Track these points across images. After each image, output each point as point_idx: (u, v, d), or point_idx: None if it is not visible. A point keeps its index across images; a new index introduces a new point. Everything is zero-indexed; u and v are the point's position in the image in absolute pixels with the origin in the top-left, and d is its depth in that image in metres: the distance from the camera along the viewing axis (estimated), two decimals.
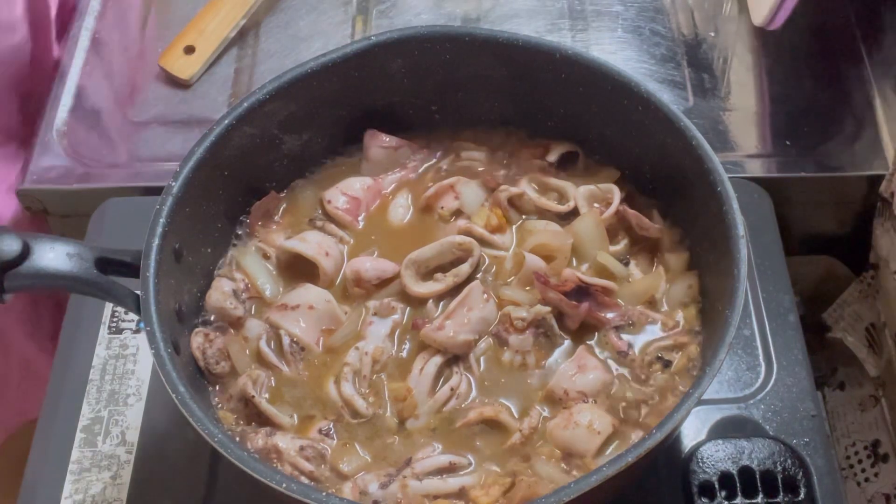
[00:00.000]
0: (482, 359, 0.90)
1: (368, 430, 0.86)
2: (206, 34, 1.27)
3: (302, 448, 0.84)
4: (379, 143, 1.02)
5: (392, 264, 0.94)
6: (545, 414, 0.87)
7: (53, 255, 0.82)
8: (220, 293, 0.92)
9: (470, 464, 0.84)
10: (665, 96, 0.92)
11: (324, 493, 0.74)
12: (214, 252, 0.96)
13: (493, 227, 0.96)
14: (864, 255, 1.18)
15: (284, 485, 0.73)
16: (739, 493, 0.93)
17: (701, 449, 0.95)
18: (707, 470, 0.94)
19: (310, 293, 0.92)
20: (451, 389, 0.87)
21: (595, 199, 0.98)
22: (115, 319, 1.05)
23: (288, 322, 0.91)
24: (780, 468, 0.94)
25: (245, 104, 0.92)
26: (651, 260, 0.95)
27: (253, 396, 0.86)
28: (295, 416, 0.88)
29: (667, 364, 0.89)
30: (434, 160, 1.03)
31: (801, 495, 0.92)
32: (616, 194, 0.96)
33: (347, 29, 1.30)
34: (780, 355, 1.01)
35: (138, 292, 0.82)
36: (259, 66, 1.27)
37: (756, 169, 1.16)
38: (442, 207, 0.98)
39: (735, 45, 1.28)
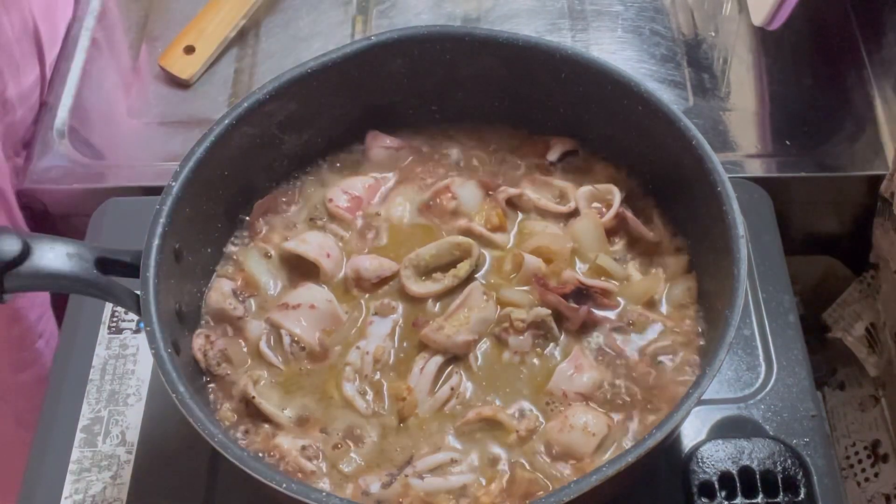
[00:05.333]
0: (482, 359, 0.90)
1: (369, 430, 0.86)
2: (206, 34, 1.27)
3: (303, 448, 0.84)
4: (380, 143, 1.02)
5: (392, 263, 0.94)
6: (542, 417, 0.87)
7: (53, 255, 0.82)
8: (220, 294, 0.92)
9: (471, 462, 0.84)
10: (665, 96, 0.92)
11: (324, 493, 0.74)
12: (214, 252, 0.96)
13: (493, 226, 0.96)
14: (864, 255, 1.18)
15: (284, 485, 0.73)
16: (739, 493, 0.93)
17: (701, 449, 0.95)
18: (707, 470, 0.94)
19: (311, 293, 0.92)
20: (451, 389, 0.87)
21: (595, 199, 0.98)
22: (115, 319, 1.05)
23: (289, 321, 0.91)
24: (780, 468, 0.94)
25: (245, 104, 0.92)
26: (650, 261, 0.95)
27: (253, 397, 0.86)
28: (295, 416, 0.88)
29: (666, 365, 0.89)
30: (434, 160, 1.03)
31: (801, 495, 0.92)
32: (616, 195, 0.96)
33: (347, 29, 1.30)
34: (780, 355, 1.01)
35: (138, 292, 0.82)
36: (259, 66, 1.27)
37: (756, 169, 1.16)
38: (441, 207, 0.98)
39: (735, 45, 1.28)
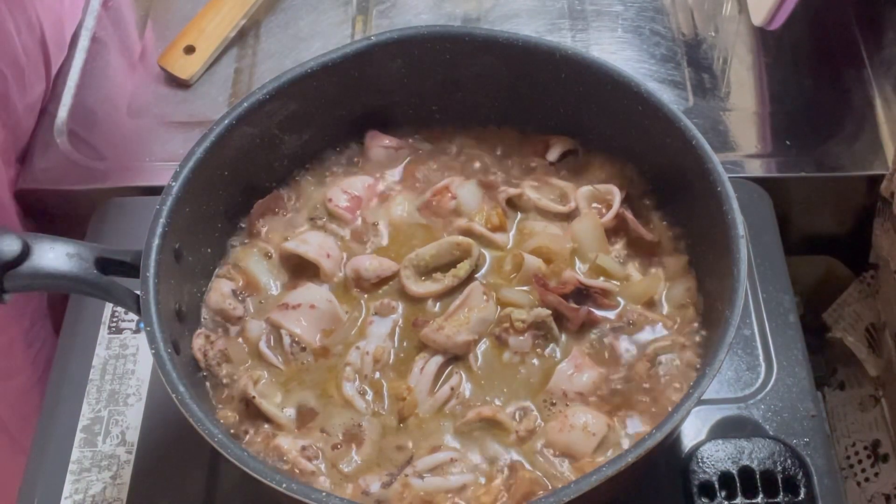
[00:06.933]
0: (481, 359, 0.90)
1: (369, 430, 0.86)
2: (206, 34, 1.27)
3: (303, 448, 0.84)
4: (380, 143, 1.02)
5: (392, 263, 0.94)
6: (541, 417, 0.87)
7: (53, 255, 0.82)
8: (220, 294, 0.92)
9: (471, 462, 0.84)
10: (665, 96, 0.92)
11: (324, 493, 0.74)
12: (214, 252, 0.96)
13: (493, 226, 0.96)
14: (864, 255, 1.18)
15: (284, 485, 0.73)
16: (739, 493, 0.93)
17: (701, 449, 0.95)
18: (707, 470, 0.94)
19: (311, 293, 0.92)
20: (451, 389, 0.87)
21: (595, 199, 0.98)
22: (115, 319, 1.05)
23: (289, 321, 0.91)
24: (780, 468, 0.94)
25: (245, 104, 0.92)
26: (650, 261, 0.95)
27: (254, 397, 0.86)
28: (295, 416, 0.88)
29: (666, 364, 0.89)
30: (434, 160, 1.03)
31: (801, 495, 0.92)
32: (616, 195, 0.96)
33: (347, 29, 1.30)
34: (780, 355, 1.01)
35: (138, 292, 0.82)
36: (259, 66, 1.27)
37: (756, 169, 1.16)
38: (441, 207, 0.98)
39: (735, 45, 1.28)
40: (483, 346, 0.90)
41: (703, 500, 0.92)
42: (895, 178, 1.08)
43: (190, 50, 1.26)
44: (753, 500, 0.92)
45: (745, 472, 0.93)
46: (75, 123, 1.22)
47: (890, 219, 1.10)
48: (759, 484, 0.93)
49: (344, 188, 0.99)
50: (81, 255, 0.83)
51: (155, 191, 0.90)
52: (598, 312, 0.91)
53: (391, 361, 0.90)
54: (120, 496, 0.94)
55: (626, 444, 0.85)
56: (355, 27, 1.30)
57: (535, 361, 0.90)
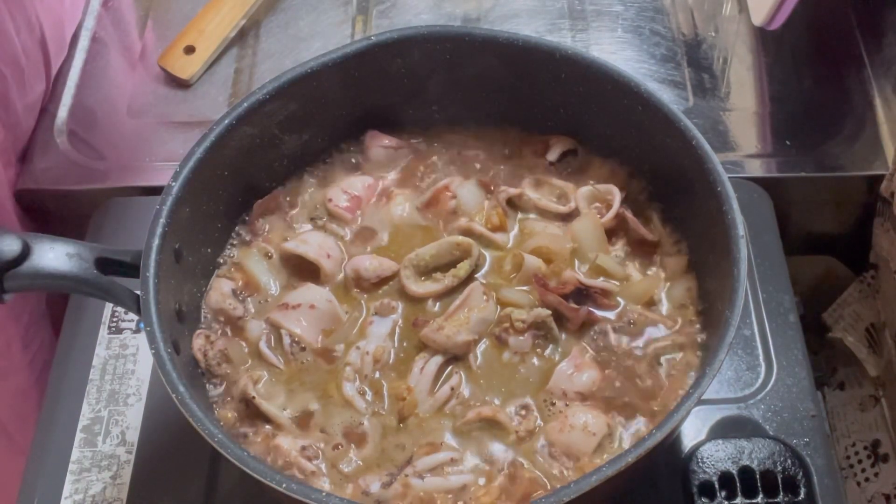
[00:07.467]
0: (481, 359, 0.90)
1: (369, 430, 0.86)
2: (206, 34, 1.27)
3: (303, 448, 0.84)
4: (380, 143, 1.02)
5: (392, 263, 0.94)
6: (541, 417, 0.87)
7: (53, 255, 0.82)
8: (220, 294, 0.92)
9: (471, 462, 0.84)
10: (665, 96, 0.92)
11: (324, 493, 0.74)
12: (214, 252, 0.96)
13: (493, 226, 0.96)
14: (864, 255, 1.18)
15: (284, 485, 0.73)
16: (739, 493, 0.93)
17: (701, 449, 0.95)
18: (707, 470, 0.94)
19: (311, 293, 0.92)
20: (451, 389, 0.87)
21: (595, 199, 0.98)
22: (115, 319, 1.05)
23: (289, 321, 0.91)
24: (780, 468, 0.94)
25: (245, 104, 0.92)
26: (650, 261, 0.96)
27: (254, 397, 0.86)
28: (296, 416, 0.88)
29: (666, 364, 0.89)
30: (434, 160, 1.03)
31: (801, 495, 0.92)
32: (616, 195, 0.96)
33: (347, 29, 1.30)
34: (780, 355, 1.01)
35: (138, 292, 0.82)
36: (259, 66, 1.27)
37: (756, 169, 1.16)
38: (441, 207, 0.98)
39: (735, 45, 1.28)
40: (483, 346, 0.90)
41: (703, 500, 0.92)
42: (895, 178, 1.08)
43: (190, 50, 1.26)
44: (753, 500, 0.92)
45: (745, 472, 0.93)
46: (75, 123, 1.22)
47: (890, 219, 1.10)
48: (759, 484, 0.93)
49: (344, 188, 1.00)
50: (81, 255, 0.83)
51: (155, 191, 0.90)
52: (598, 312, 0.91)
53: (391, 361, 0.90)
54: (120, 496, 0.94)
55: (626, 444, 0.85)
56: (355, 27, 1.30)
57: (535, 361, 0.90)
